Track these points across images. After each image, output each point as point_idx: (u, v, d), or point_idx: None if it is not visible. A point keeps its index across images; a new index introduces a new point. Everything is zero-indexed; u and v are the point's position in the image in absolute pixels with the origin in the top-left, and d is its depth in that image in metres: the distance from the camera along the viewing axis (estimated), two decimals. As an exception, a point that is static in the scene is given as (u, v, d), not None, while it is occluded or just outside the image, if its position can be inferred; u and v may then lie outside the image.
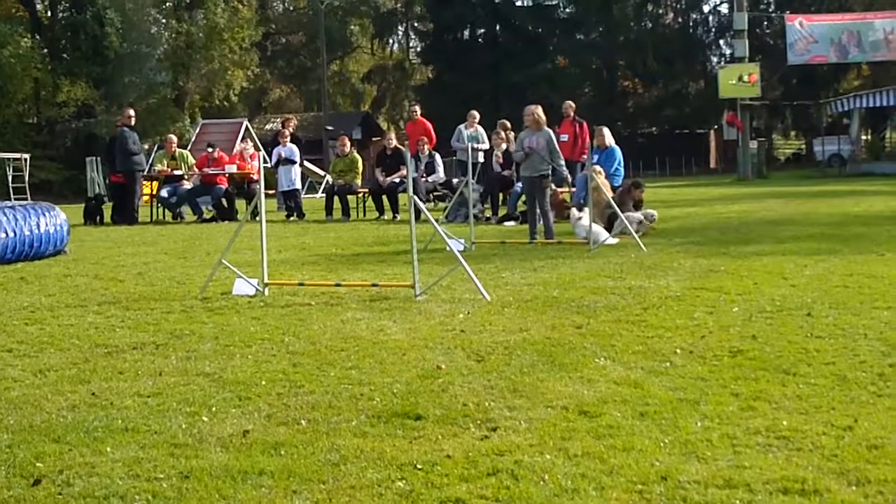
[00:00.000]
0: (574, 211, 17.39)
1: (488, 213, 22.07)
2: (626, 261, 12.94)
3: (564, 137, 23.42)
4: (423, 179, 23.32)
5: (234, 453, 5.07)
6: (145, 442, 5.31)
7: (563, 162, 16.85)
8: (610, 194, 17.23)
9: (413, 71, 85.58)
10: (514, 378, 6.49)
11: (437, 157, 24.41)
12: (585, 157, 24.02)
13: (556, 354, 7.15)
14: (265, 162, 29.07)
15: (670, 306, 9.18)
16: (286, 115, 36.43)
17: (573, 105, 24.25)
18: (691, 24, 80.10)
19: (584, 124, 24.21)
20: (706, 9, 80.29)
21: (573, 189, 20.49)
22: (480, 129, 24.55)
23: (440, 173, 24.25)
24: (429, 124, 26.03)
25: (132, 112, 25.07)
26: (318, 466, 4.83)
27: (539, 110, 16.38)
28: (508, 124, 23.32)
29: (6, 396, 6.40)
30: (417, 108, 28.30)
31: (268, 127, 64.74)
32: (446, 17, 72.94)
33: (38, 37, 56.90)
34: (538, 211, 16.26)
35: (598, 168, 17.81)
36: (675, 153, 65.96)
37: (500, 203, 22.44)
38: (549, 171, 16.20)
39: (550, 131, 16.54)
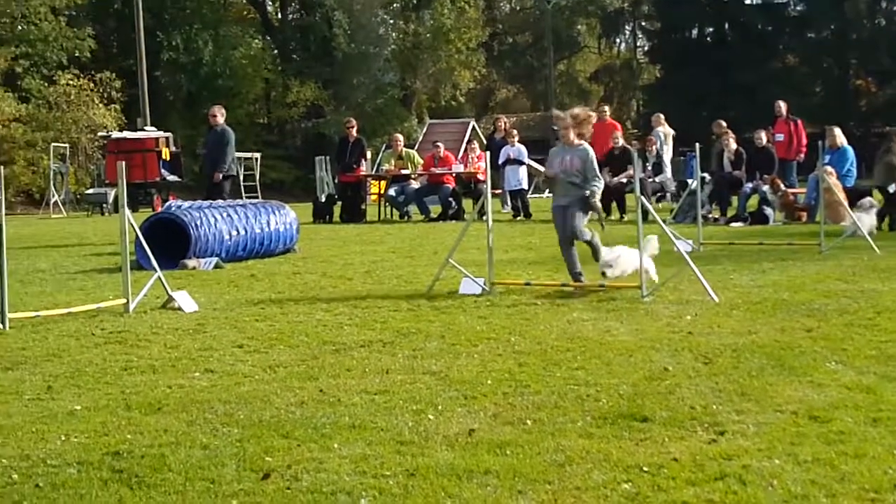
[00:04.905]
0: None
1: (716, 214, 21.71)
2: (858, 263, 12.58)
3: (780, 137, 23.14)
4: (650, 180, 23.12)
5: (460, 452, 5.08)
6: (372, 439, 5.36)
7: (600, 185, 11.31)
8: (842, 195, 16.81)
9: (640, 70, 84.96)
10: (743, 381, 6.38)
11: (665, 157, 24.19)
12: (802, 155, 23.62)
13: (785, 358, 7.00)
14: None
15: (907, 310, 8.88)
16: (497, 115, 36.67)
17: (785, 104, 23.81)
18: (930, 19, 77.53)
19: (800, 122, 23.78)
20: (945, 3, 77.65)
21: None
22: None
23: (668, 173, 24.01)
24: (618, 125, 25.78)
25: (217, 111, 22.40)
26: (543, 467, 4.81)
27: (581, 113, 11.60)
28: (724, 123, 22.81)
29: (237, 391, 6.55)
30: (607, 107, 27.97)
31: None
32: (674, 16, 72.39)
33: (268, 38, 58.48)
34: (574, 242, 11.29)
35: (829, 169, 17.39)
36: (911, 153, 63.91)
37: (728, 204, 22.07)
38: (588, 192, 11.14)
39: (589, 147, 11.38)
